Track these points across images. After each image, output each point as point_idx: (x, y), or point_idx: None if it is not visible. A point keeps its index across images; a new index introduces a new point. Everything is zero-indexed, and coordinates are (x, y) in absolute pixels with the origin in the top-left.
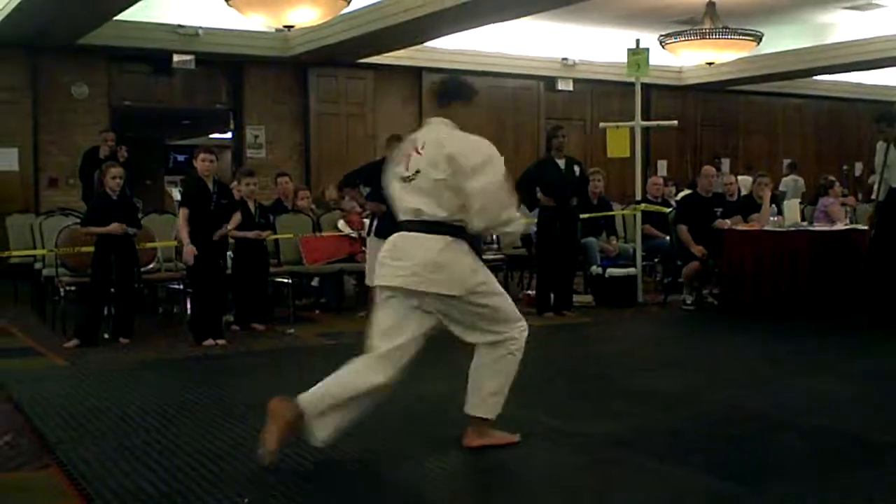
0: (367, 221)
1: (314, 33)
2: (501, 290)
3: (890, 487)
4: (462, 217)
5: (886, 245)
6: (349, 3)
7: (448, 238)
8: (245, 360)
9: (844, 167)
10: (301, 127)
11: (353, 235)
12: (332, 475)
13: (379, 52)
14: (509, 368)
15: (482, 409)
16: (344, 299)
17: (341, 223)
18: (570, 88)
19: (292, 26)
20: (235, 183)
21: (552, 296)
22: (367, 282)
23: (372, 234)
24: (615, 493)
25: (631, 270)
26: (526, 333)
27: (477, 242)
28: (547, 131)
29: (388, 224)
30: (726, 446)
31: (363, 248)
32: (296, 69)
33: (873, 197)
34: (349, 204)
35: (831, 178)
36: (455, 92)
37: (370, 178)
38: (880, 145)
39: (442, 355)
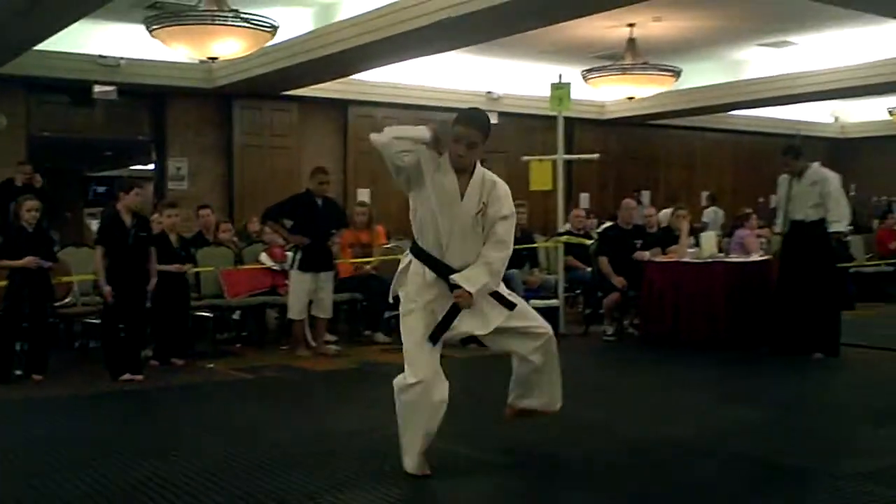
0: (290, 254)
1: (238, 65)
2: (411, 323)
3: None
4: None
5: (790, 275)
6: (274, 35)
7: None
8: (163, 395)
9: (760, 199)
10: (225, 159)
11: (275, 268)
12: None
13: (304, 85)
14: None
15: None
16: (266, 333)
17: (264, 256)
18: (495, 121)
19: (216, 58)
20: (157, 215)
21: None
22: (290, 315)
23: (295, 268)
24: None
25: (553, 302)
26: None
27: None
28: None
29: (311, 257)
30: (643, 474)
31: (286, 282)
32: (220, 101)
33: (776, 230)
34: (272, 237)
35: (748, 210)
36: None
37: (294, 211)
38: (783, 178)
39: (350, 390)
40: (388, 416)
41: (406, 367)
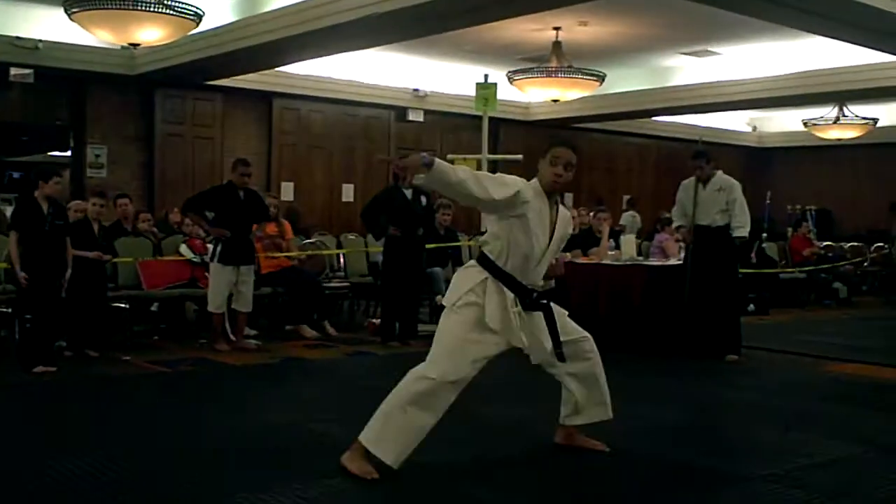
0: (210, 246)
1: (161, 52)
2: (457, 326)
3: None
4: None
5: (697, 280)
6: (198, 23)
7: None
8: (78, 388)
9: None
10: (145, 148)
11: (195, 260)
12: None
13: (229, 75)
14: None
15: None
16: (185, 326)
17: (184, 247)
18: (421, 119)
19: (138, 44)
20: (75, 202)
21: (397, 325)
22: (210, 308)
23: (215, 260)
24: None
25: None
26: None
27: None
28: None
29: (232, 250)
30: (565, 476)
31: (206, 274)
32: (141, 88)
33: (681, 235)
34: (193, 228)
35: (667, 215)
36: None
37: (215, 202)
38: (687, 183)
39: (270, 385)
40: (306, 411)
41: (434, 361)
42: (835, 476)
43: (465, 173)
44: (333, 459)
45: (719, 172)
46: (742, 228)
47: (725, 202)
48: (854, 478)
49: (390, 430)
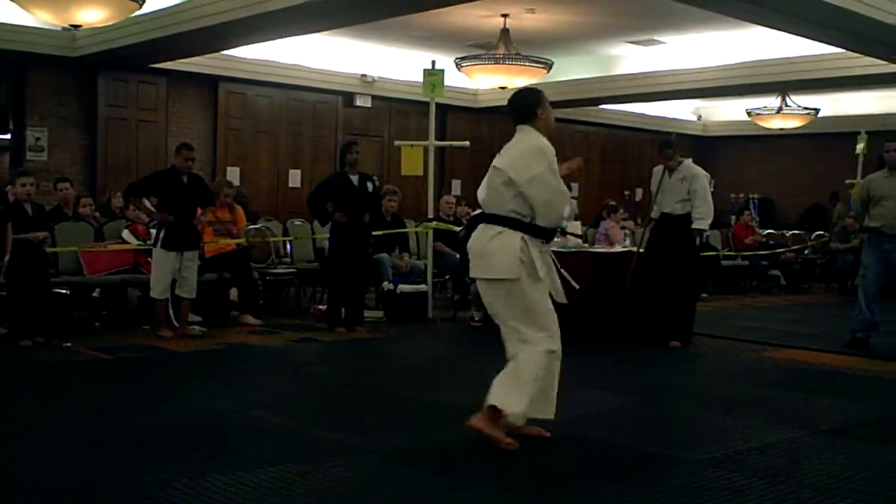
0: (153, 232)
1: (104, 34)
2: (535, 295)
3: (658, 495)
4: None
5: (652, 265)
6: (141, 5)
7: (499, 228)
8: (18, 374)
9: (626, 192)
10: (88, 131)
11: (138, 246)
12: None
13: (173, 58)
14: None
15: (493, 397)
16: (127, 312)
17: (126, 233)
18: (369, 105)
19: (79, 25)
20: (10, 186)
21: (343, 311)
22: (153, 294)
23: (158, 246)
24: None
25: (422, 287)
26: (548, 347)
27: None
28: (340, 147)
29: (176, 235)
30: (509, 460)
31: (149, 259)
32: (83, 70)
33: (653, 216)
34: (135, 213)
35: (612, 202)
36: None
37: (158, 187)
38: (657, 169)
39: (213, 372)
40: (249, 398)
41: (545, 333)
42: (773, 460)
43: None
44: (275, 446)
45: (687, 161)
46: (701, 220)
47: (687, 191)
48: (792, 461)
49: (532, 393)
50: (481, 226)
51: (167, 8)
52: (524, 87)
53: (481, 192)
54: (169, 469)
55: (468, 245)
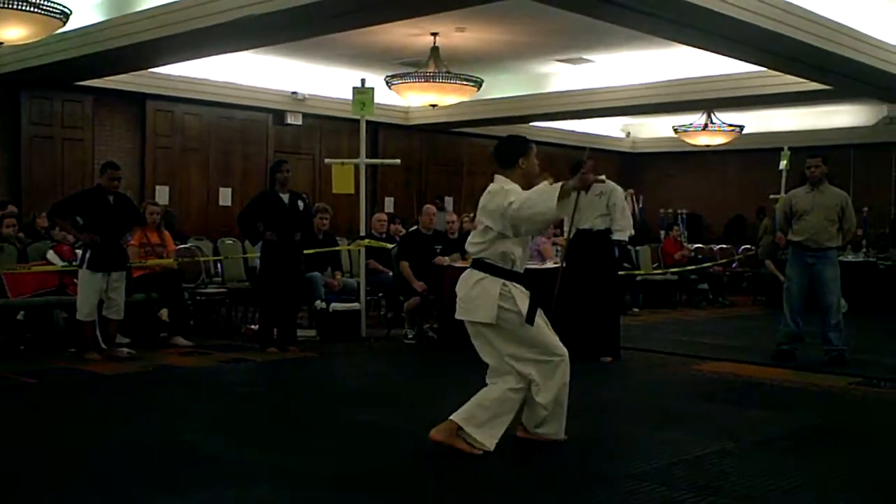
0: (80, 252)
1: (27, 51)
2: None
3: None
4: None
5: (574, 282)
6: (65, 23)
7: (482, 274)
8: None
9: None
10: (10, 150)
11: (63, 267)
12: None
13: (99, 76)
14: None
15: (460, 414)
16: (53, 334)
17: (51, 254)
18: (300, 122)
19: (1, 43)
20: None
21: (275, 330)
22: (79, 316)
23: (84, 267)
24: None
25: (354, 305)
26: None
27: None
28: (270, 166)
29: (102, 256)
30: (437, 479)
31: (75, 280)
32: (6, 88)
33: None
34: (61, 234)
35: None
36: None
37: (84, 207)
38: None
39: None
40: (178, 422)
41: (550, 352)
42: (701, 472)
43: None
44: (204, 471)
45: (601, 178)
46: (622, 232)
47: (606, 206)
48: (720, 474)
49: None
50: (467, 271)
51: (92, 25)
52: (514, 135)
53: (468, 242)
54: (91, 497)
55: (456, 288)
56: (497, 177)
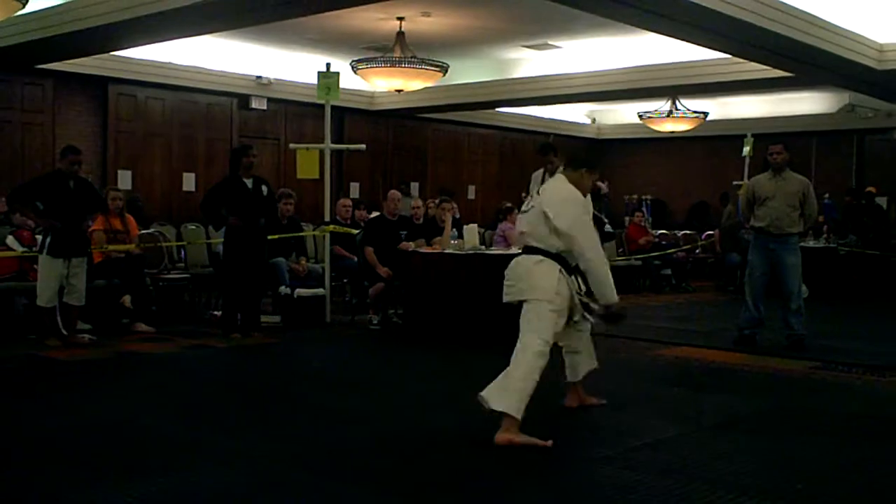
0: (40, 238)
1: None
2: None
3: (550, 495)
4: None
5: None
6: (25, 4)
7: (538, 257)
8: None
9: (523, 194)
10: None
11: (23, 252)
12: None
13: (60, 59)
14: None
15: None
16: (13, 321)
17: (11, 239)
18: (264, 107)
19: None
20: None
21: (239, 316)
22: (39, 302)
23: (45, 252)
24: None
25: (319, 291)
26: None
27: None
28: (234, 150)
29: (63, 241)
30: (404, 465)
31: (35, 266)
32: None
33: None
34: (21, 219)
35: (509, 204)
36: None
37: (44, 192)
38: (537, 173)
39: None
40: (140, 408)
41: (547, 341)
42: (664, 455)
43: (600, 261)
44: (166, 456)
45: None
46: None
47: None
48: (681, 457)
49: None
50: (523, 256)
51: (53, 7)
52: (592, 151)
53: (523, 226)
54: (55, 483)
55: (508, 274)
56: (560, 175)
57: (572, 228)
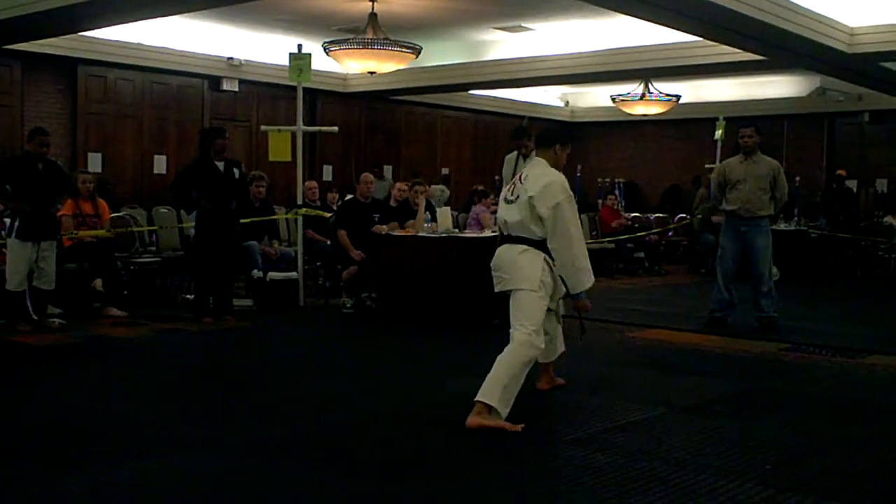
0: (8, 221)
1: None
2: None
3: (520, 477)
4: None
5: None
6: None
7: (522, 246)
8: None
9: (497, 177)
10: None
11: None
12: None
13: (28, 40)
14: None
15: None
16: None
17: None
18: (236, 89)
19: None
20: None
21: (211, 300)
22: (8, 286)
23: (13, 236)
24: (255, 499)
25: (292, 274)
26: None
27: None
28: (205, 131)
29: (32, 224)
30: (375, 448)
31: (3, 250)
32: None
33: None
34: None
35: (482, 188)
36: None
37: (11, 174)
38: (510, 156)
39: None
40: (110, 393)
41: (536, 330)
42: (635, 437)
43: (578, 245)
44: (136, 441)
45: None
46: None
47: None
48: (653, 439)
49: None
50: (508, 245)
51: None
52: (562, 125)
53: (514, 216)
54: (24, 468)
55: (495, 263)
56: (538, 159)
57: (553, 214)
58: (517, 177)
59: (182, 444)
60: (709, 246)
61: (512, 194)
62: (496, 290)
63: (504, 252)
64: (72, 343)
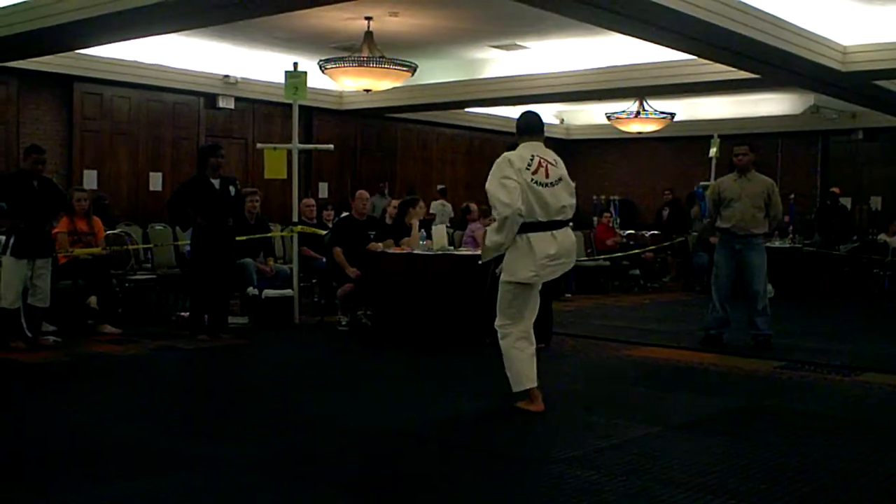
0: (3, 238)
1: None
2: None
3: (517, 495)
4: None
5: None
6: None
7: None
8: None
9: None
10: None
11: None
12: None
13: (24, 57)
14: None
15: None
16: None
17: None
18: (232, 106)
19: None
20: None
21: (207, 318)
22: (2, 304)
23: (8, 253)
24: None
25: (287, 292)
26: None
27: None
28: (202, 149)
29: (27, 242)
30: (369, 466)
31: None
32: None
33: None
34: None
35: (483, 206)
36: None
37: (7, 192)
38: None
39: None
40: (105, 411)
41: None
42: (630, 456)
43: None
44: (131, 460)
45: None
46: None
47: None
48: (648, 457)
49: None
50: (567, 229)
51: (17, 4)
52: (532, 111)
53: (565, 200)
54: (16, 488)
55: (559, 250)
56: (548, 151)
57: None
58: (535, 160)
59: (176, 462)
60: (703, 266)
61: (547, 177)
62: (556, 276)
63: (563, 239)
64: (66, 361)
